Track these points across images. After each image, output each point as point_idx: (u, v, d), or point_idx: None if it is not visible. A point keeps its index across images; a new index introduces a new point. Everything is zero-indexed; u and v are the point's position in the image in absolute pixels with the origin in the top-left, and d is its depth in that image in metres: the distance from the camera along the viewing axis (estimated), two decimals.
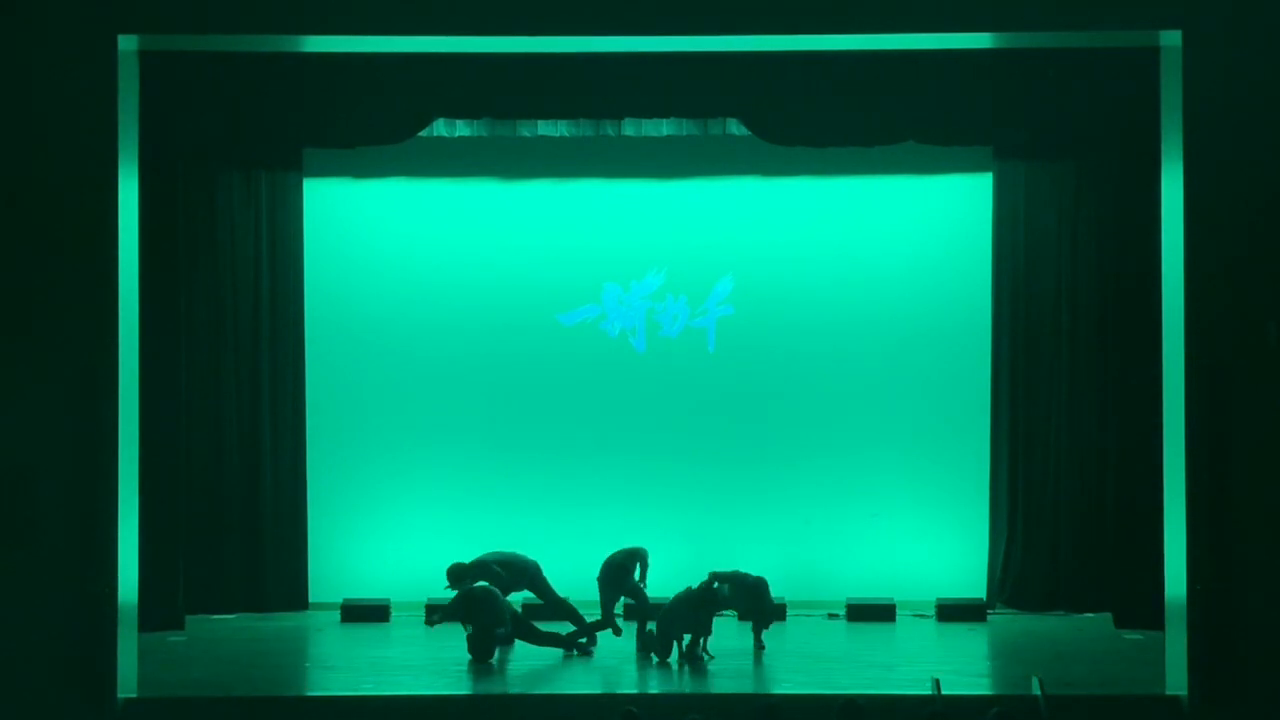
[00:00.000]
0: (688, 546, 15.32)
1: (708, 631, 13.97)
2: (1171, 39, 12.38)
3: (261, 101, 15.41)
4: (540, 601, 15.05)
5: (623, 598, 14.76)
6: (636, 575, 14.62)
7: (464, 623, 14.08)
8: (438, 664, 13.87)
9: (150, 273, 13.55)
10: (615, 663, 13.99)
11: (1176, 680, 12.35)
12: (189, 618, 15.62)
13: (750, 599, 14.42)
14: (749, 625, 14.76)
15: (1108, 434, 16.07)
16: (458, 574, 14.57)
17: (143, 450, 12.80)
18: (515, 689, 13.22)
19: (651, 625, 14.10)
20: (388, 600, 16.14)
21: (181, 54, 13.69)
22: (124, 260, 12.35)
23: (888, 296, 16.82)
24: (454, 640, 14.52)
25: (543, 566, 14.98)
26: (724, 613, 15.09)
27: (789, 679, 13.32)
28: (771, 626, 14.83)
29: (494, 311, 16.88)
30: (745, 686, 13.27)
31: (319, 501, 16.71)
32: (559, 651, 14.33)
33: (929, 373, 16.79)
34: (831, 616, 16.17)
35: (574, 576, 15.06)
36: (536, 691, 13.10)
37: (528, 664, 13.99)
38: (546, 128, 16.32)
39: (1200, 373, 12.15)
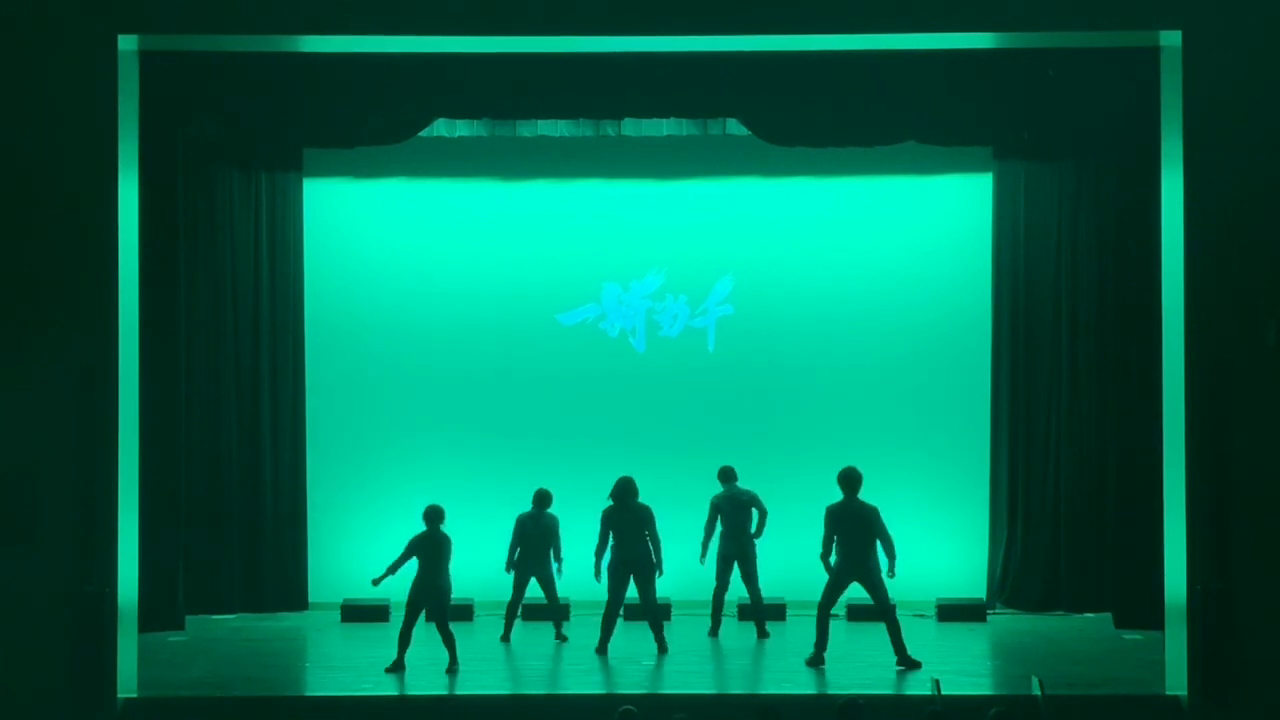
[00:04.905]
0: (687, 546, 15.27)
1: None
2: (1171, 39, 12.39)
3: (261, 101, 15.39)
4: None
5: None
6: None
7: None
8: (438, 664, 13.86)
9: (150, 272, 13.56)
10: (615, 663, 13.99)
11: (1176, 680, 12.37)
12: (189, 618, 15.63)
13: None
14: (749, 625, 14.75)
15: (1108, 434, 16.07)
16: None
17: (143, 450, 12.81)
18: (514, 689, 13.21)
19: None
20: (387, 600, 16.11)
21: (181, 54, 13.69)
22: (124, 260, 12.36)
23: (888, 296, 16.82)
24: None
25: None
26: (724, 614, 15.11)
27: (789, 679, 13.31)
28: (770, 624, 14.86)
29: (494, 311, 16.88)
30: (745, 686, 13.26)
31: (319, 501, 16.72)
32: (555, 651, 14.31)
33: (929, 372, 16.79)
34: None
35: (574, 576, 15.05)
36: (536, 692, 13.09)
37: (527, 664, 13.98)
38: (546, 128, 16.32)
39: (1200, 372, 12.15)
